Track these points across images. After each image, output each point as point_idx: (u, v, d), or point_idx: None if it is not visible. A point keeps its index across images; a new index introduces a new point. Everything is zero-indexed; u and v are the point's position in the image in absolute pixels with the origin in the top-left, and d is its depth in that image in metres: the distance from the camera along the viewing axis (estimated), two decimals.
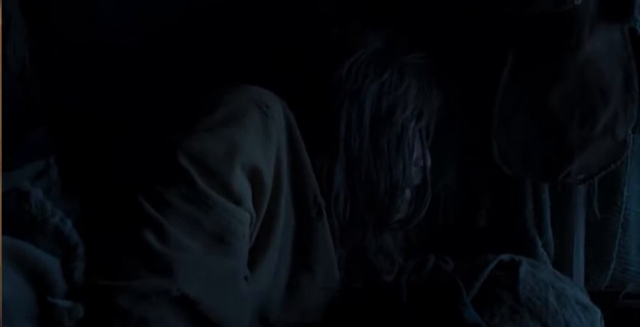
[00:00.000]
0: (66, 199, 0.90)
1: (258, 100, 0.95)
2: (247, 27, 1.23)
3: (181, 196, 0.87)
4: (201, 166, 0.89)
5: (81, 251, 0.83)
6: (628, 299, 1.20)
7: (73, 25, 1.21)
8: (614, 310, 1.15)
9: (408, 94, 1.08)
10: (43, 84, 1.10)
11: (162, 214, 0.86)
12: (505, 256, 1.09)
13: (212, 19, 1.23)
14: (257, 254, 0.95)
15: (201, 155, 0.89)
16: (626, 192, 1.22)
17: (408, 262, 1.15)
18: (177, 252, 0.85)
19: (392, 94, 1.07)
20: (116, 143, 1.10)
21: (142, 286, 0.82)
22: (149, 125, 1.03)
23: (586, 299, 1.07)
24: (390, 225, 1.11)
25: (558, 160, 1.16)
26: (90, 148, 1.11)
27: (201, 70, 1.20)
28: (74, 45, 1.20)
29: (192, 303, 0.84)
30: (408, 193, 1.10)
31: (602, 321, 1.06)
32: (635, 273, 1.25)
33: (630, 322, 1.16)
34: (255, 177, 0.93)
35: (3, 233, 0.80)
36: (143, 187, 0.88)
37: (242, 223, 0.91)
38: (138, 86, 1.20)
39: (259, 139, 0.93)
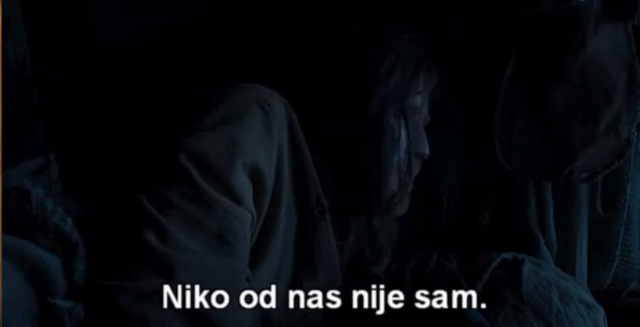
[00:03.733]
0: (66, 197, 0.89)
1: (259, 98, 0.95)
2: (247, 27, 1.22)
3: (182, 196, 0.87)
4: (202, 164, 0.88)
5: (81, 250, 0.83)
6: (631, 297, 1.20)
7: (73, 25, 1.21)
8: (617, 308, 1.14)
9: (390, 78, 1.07)
10: (43, 83, 1.10)
11: (163, 214, 0.85)
12: (508, 255, 1.09)
13: (212, 19, 1.23)
14: (259, 254, 0.95)
15: (202, 154, 0.89)
16: (630, 190, 1.21)
17: (410, 261, 1.14)
18: (177, 252, 0.84)
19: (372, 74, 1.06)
20: (117, 142, 1.10)
21: (143, 286, 0.82)
22: (150, 124, 1.02)
23: (589, 298, 1.06)
24: (380, 208, 1.09)
25: (561, 159, 1.16)
26: (90, 147, 1.11)
27: (202, 70, 1.19)
28: (74, 45, 1.20)
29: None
30: (395, 176, 1.08)
31: (606, 319, 1.05)
32: (638, 271, 1.24)
33: (633, 321, 1.15)
34: (256, 176, 0.92)
35: (3, 232, 0.80)
36: (143, 186, 0.88)
37: (243, 222, 0.90)
38: (138, 86, 1.20)
39: (261, 138, 0.93)
